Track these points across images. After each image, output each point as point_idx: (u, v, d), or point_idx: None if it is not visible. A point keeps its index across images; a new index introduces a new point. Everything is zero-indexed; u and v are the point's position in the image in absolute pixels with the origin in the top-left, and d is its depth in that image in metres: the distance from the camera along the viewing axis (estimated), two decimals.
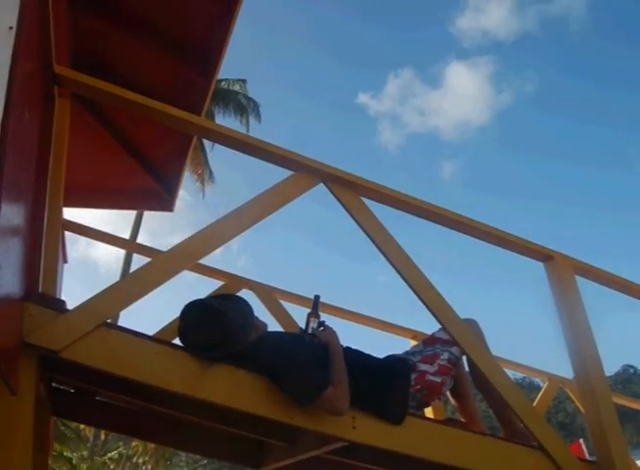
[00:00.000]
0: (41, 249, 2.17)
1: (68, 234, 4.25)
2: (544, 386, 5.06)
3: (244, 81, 25.45)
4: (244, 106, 24.33)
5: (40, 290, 2.15)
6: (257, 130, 24.96)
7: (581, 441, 9.30)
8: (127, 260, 20.34)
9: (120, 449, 22.07)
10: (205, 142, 22.15)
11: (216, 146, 20.90)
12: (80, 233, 4.34)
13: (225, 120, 23.47)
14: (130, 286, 2.24)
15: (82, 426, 17.46)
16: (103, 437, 20.86)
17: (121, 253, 20.70)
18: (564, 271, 3.00)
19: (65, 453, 16.27)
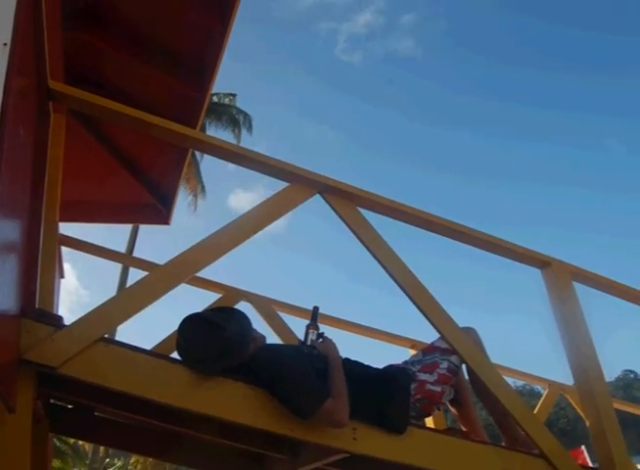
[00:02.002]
0: (37, 264, 2.16)
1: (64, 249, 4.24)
2: (545, 393, 5.05)
3: (233, 95, 25.69)
4: (235, 118, 24.50)
5: (37, 306, 2.14)
6: (248, 143, 25.15)
7: (583, 447, 9.26)
8: (124, 275, 20.32)
9: (119, 464, 21.95)
10: (197, 154, 22.28)
11: (206, 158, 21.03)
12: (77, 248, 4.34)
13: (217, 134, 23.59)
14: (127, 301, 2.23)
15: (81, 442, 17.38)
16: (102, 453, 20.72)
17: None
18: (561, 277, 3.00)
19: None
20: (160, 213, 5.37)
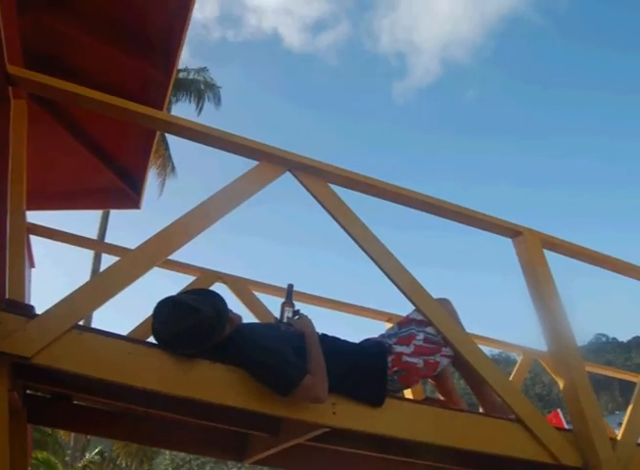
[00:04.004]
0: (5, 255, 2.12)
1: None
2: (519, 360, 5.15)
3: (204, 69, 25.09)
4: (201, 91, 23.98)
5: (7, 296, 2.11)
6: (217, 116, 24.68)
7: (559, 410, 9.48)
8: (97, 261, 20.06)
9: (101, 449, 21.92)
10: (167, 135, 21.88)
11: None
12: (47, 236, 4.26)
13: (180, 107, 23.18)
14: (99, 287, 2.21)
15: (62, 432, 17.29)
16: (83, 441, 20.64)
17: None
18: (532, 246, 3.03)
19: (55, 460, 16.13)
20: (131, 198, 5.28)
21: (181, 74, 23.44)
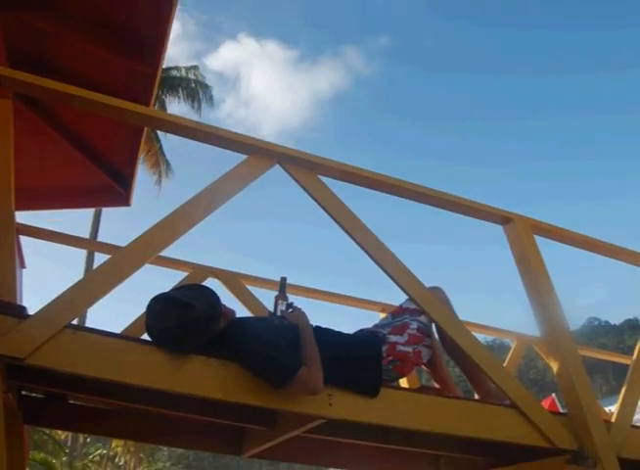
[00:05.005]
0: None
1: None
2: (513, 345, 5.17)
3: (196, 67, 24.94)
4: (196, 92, 23.84)
5: None
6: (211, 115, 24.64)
7: (554, 395, 9.59)
8: (89, 260, 20.00)
9: (100, 451, 21.92)
10: (160, 133, 21.77)
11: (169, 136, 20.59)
12: (37, 236, 4.23)
13: (179, 108, 23.09)
14: (91, 285, 2.20)
15: (60, 432, 17.28)
16: (81, 440, 20.65)
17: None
18: (523, 233, 3.04)
19: (53, 460, 16.10)
20: (120, 195, 5.26)
21: (172, 72, 23.31)
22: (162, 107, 22.12)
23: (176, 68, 23.96)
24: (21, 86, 2.42)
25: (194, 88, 23.83)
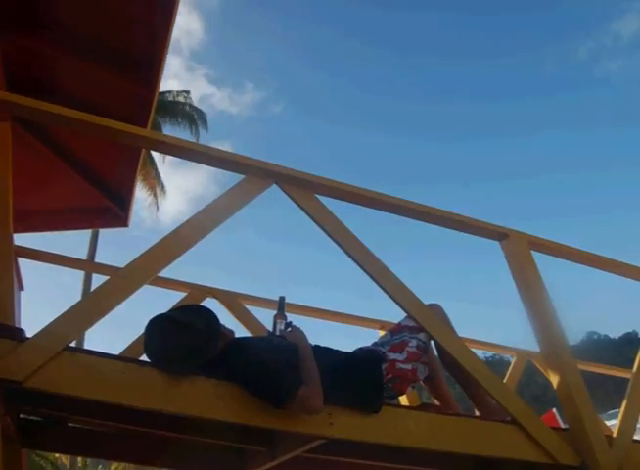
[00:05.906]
0: None
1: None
2: (512, 361, 5.16)
3: (187, 92, 25.22)
4: (191, 115, 24.08)
5: None
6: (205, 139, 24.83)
7: (554, 410, 9.50)
8: (87, 282, 19.93)
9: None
10: (156, 155, 21.88)
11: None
12: (35, 258, 4.23)
13: (175, 132, 23.20)
14: (89, 307, 2.19)
15: (57, 455, 17.09)
16: (80, 464, 20.43)
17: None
18: (519, 248, 3.05)
19: None
20: (118, 216, 5.29)
21: (167, 95, 23.52)
22: (158, 130, 22.25)
23: (169, 92, 24.18)
24: (18, 110, 2.43)
25: (188, 112, 24.08)
